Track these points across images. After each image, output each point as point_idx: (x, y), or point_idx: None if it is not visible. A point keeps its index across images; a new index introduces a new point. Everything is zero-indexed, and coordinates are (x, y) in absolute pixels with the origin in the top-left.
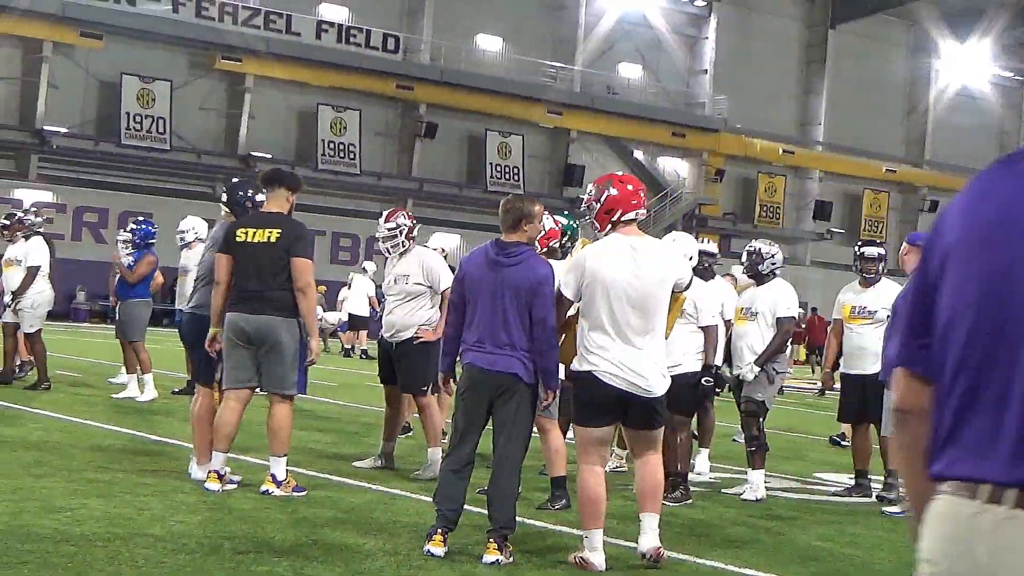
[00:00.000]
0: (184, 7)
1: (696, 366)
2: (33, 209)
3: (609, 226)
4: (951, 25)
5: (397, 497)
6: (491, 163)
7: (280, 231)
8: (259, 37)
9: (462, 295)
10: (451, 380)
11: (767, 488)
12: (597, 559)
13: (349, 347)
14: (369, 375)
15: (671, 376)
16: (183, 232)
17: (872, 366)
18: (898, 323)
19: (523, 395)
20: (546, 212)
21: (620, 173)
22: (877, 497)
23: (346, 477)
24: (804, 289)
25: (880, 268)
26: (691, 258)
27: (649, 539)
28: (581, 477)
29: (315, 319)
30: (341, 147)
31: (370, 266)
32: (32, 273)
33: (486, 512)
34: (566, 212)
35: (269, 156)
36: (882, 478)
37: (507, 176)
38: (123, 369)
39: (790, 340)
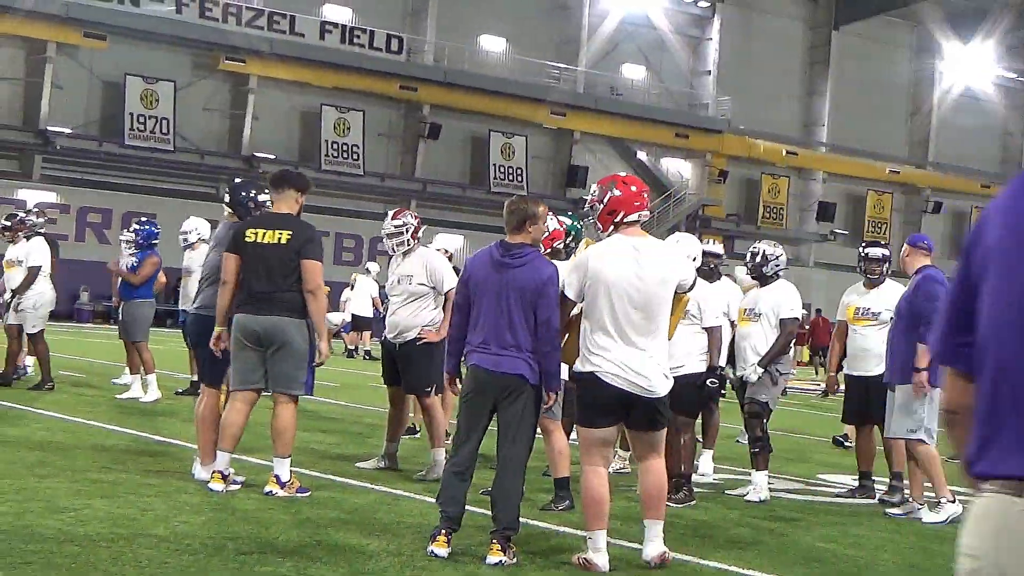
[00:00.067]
0: (188, 8)
1: (700, 367)
2: (34, 210)
3: (612, 227)
4: (955, 26)
5: (401, 498)
6: (494, 164)
7: (290, 232)
8: (263, 38)
9: (467, 296)
10: (456, 381)
11: (771, 489)
12: (600, 560)
13: (352, 348)
14: (372, 376)
15: (675, 377)
16: (186, 233)
17: (876, 368)
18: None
19: (528, 396)
20: (550, 213)
21: (624, 174)
22: (880, 499)
23: (350, 478)
24: (808, 290)
25: (884, 269)
26: (694, 259)
27: (654, 546)
28: (584, 478)
29: (324, 321)
30: (344, 148)
31: (373, 267)
32: (33, 273)
33: (490, 513)
34: (570, 213)
35: (272, 157)
36: (886, 480)
37: (510, 177)
38: (126, 370)
39: (794, 341)
